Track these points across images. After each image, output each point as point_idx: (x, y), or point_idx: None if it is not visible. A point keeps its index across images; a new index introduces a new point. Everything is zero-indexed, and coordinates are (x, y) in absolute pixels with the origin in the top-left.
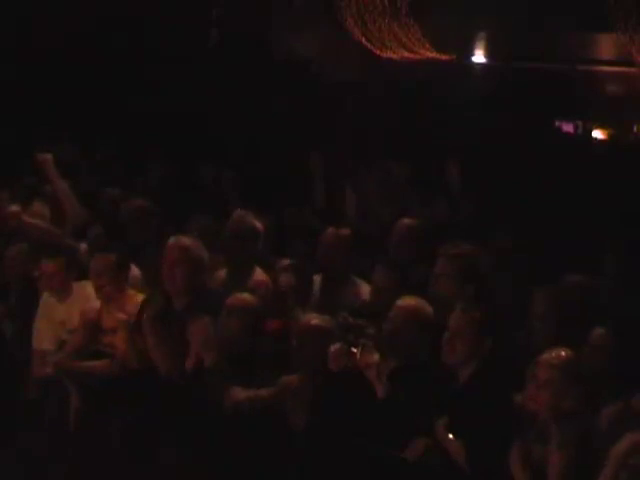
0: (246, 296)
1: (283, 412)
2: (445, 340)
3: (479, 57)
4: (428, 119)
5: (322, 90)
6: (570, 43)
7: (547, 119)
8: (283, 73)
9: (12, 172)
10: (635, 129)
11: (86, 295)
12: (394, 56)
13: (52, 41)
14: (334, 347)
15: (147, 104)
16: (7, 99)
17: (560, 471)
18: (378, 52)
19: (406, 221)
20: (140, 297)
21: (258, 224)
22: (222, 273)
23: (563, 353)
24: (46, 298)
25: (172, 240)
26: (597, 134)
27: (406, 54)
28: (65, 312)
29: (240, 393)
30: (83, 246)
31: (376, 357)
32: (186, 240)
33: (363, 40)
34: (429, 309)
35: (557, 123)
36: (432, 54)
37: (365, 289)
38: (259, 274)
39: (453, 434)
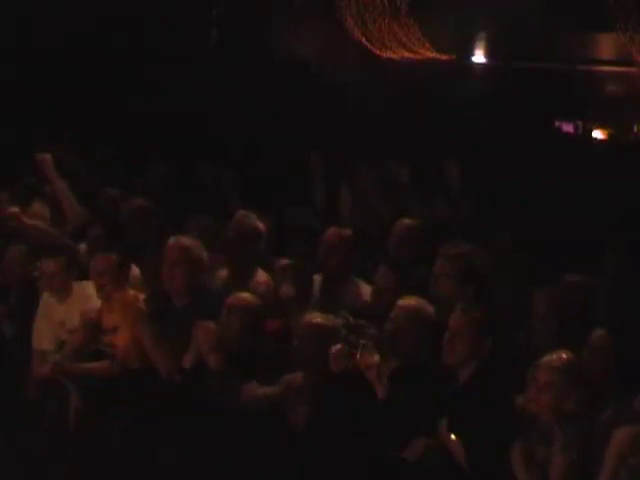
0: (246, 296)
1: (284, 412)
2: (445, 340)
3: (479, 57)
4: (428, 119)
5: (322, 90)
6: (570, 43)
7: (547, 119)
8: (283, 73)
9: (12, 172)
10: (635, 129)
11: (86, 295)
12: (394, 56)
13: (52, 41)
14: (335, 348)
15: (147, 104)
16: (7, 99)
17: (563, 472)
18: (378, 52)
19: (406, 221)
20: (140, 297)
21: (260, 225)
22: (223, 273)
23: (564, 355)
24: (46, 298)
25: (172, 240)
26: (597, 134)
27: (406, 54)
28: (65, 312)
29: (257, 389)
30: (83, 246)
31: (376, 358)
32: (186, 240)
33: (363, 40)
34: (430, 309)
35: (557, 123)
36: (432, 54)
37: (365, 289)
38: (261, 275)
39: (453, 434)
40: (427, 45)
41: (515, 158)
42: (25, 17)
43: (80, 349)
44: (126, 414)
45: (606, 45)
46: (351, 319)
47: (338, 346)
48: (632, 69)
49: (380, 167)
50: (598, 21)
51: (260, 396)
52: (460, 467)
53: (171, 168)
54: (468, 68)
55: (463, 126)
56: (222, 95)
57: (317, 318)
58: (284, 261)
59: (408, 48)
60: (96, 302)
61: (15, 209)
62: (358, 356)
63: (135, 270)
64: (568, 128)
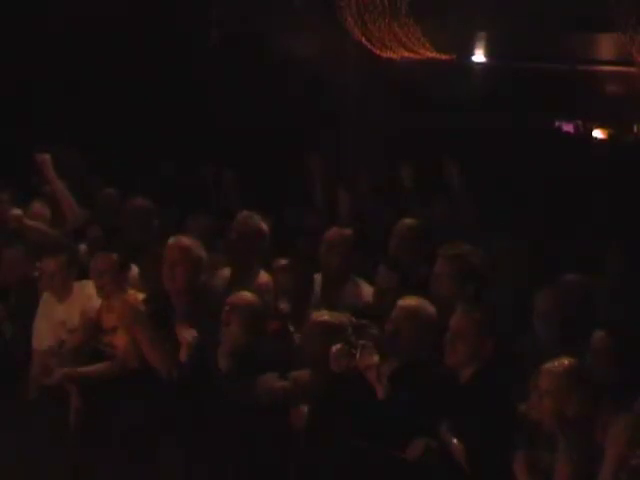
0: (247, 295)
1: (284, 411)
2: (446, 341)
3: (479, 57)
4: (428, 119)
5: (322, 90)
6: (570, 43)
7: (547, 119)
8: (283, 73)
9: (12, 172)
10: (635, 129)
11: (86, 295)
12: (394, 56)
13: (52, 41)
14: (335, 347)
15: (147, 104)
16: (7, 99)
17: (567, 479)
18: (378, 52)
19: (407, 221)
20: (140, 297)
21: (264, 225)
22: (225, 273)
23: (565, 361)
24: (46, 298)
25: (172, 240)
26: (597, 134)
27: (406, 54)
28: (65, 312)
29: (275, 382)
30: (83, 246)
31: (376, 358)
32: (186, 240)
33: (363, 40)
34: (431, 309)
35: (557, 123)
36: (432, 54)
37: (366, 289)
38: (263, 276)
39: (454, 434)
40: (427, 45)
41: (515, 158)
42: (25, 17)
43: (80, 349)
44: (126, 414)
45: (606, 45)
46: (353, 319)
47: (338, 346)
48: (632, 69)
49: (380, 168)
50: (598, 21)
51: (278, 389)
52: (460, 468)
53: (171, 168)
54: (468, 68)
55: (463, 126)
56: (222, 95)
57: (324, 316)
58: (283, 261)
59: (408, 48)
60: (96, 302)
61: (17, 211)
62: (357, 356)
63: (135, 270)
64: (568, 128)
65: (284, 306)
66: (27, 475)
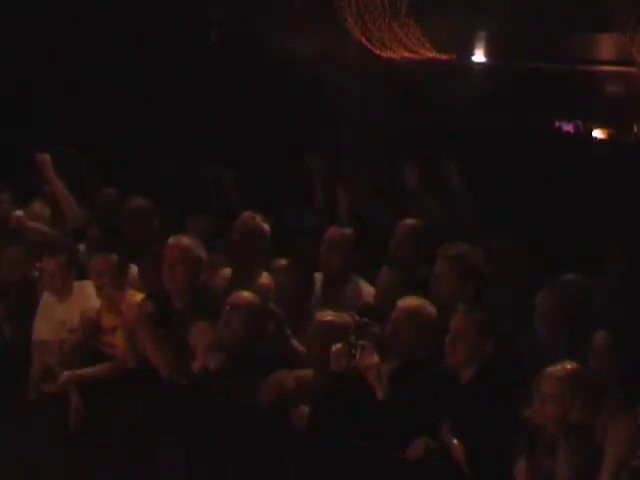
0: (247, 294)
1: (284, 412)
2: (447, 342)
3: (479, 57)
4: (428, 119)
5: (322, 90)
6: (570, 43)
7: (547, 119)
8: (283, 73)
9: (12, 172)
10: (635, 129)
11: (86, 294)
12: (394, 56)
13: (52, 41)
14: (335, 347)
15: (147, 104)
16: (7, 99)
17: None
18: (378, 52)
19: (408, 221)
20: (140, 297)
21: (266, 226)
22: (225, 273)
23: (568, 366)
24: (46, 298)
25: (172, 240)
26: (597, 134)
27: (406, 54)
28: (65, 312)
29: (287, 378)
30: (82, 246)
31: (376, 358)
32: (186, 240)
33: (363, 40)
34: (430, 309)
35: (557, 123)
36: (432, 54)
37: (366, 289)
38: (264, 277)
39: (454, 435)
40: (427, 45)
41: (515, 158)
42: (25, 17)
43: (79, 349)
44: (126, 414)
45: (606, 45)
46: (356, 317)
47: (338, 345)
48: (632, 69)
49: (380, 168)
50: (598, 21)
51: (288, 385)
52: (460, 468)
53: (171, 168)
54: (468, 68)
55: (463, 126)
56: (222, 95)
57: (328, 316)
58: (283, 261)
59: (408, 48)
60: (96, 302)
61: (19, 212)
62: (357, 356)
63: (134, 270)
64: (568, 128)
65: (276, 308)
66: (27, 475)
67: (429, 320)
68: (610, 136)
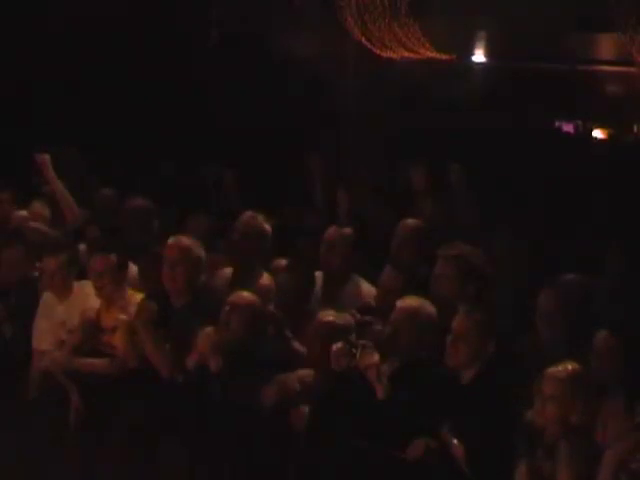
0: (247, 295)
1: (284, 412)
2: (448, 343)
3: (479, 57)
4: (428, 119)
5: (322, 90)
6: (570, 43)
7: (547, 119)
8: (283, 73)
9: (12, 172)
10: (635, 129)
11: (86, 294)
12: (394, 56)
13: (52, 41)
14: (335, 346)
15: (147, 104)
16: (7, 99)
17: None
18: (378, 52)
19: (408, 221)
20: (139, 296)
21: (267, 226)
22: (226, 273)
23: (569, 366)
24: (46, 298)
25: (172, 240)
26: (597, 134)
27: (406, 54)
28: (65, 312)
29: (292, 382)
30: (82, 247)
31: (376, 358)
32: (186, 240)
33: (363, 40)
34: (430, 309)
35: (557, 123)
36: (432, 54)
37: (366, 288)
38: (265, 277)
39: (454, 435)
40: (427, 45)
41: (515, 158)
42: (25, 17)
43: (79, 348)
44: (126, 414)
45: (606, 45)
46: (358, 315)
47: (339, 345)
48: (632, 69)
49: (380, 167)
50: (598, 21)
51: (292, 389)
52: (460, 468)
53: (171, 168)
54: (468, 68)
55: (463, 126)
56: (222, 95)
57: (329, 316)
58: (282, 261)
59: (408, 48)
60: (95, 301)
61: (23, 213)
62: (358, 356)
63: (134, 270)
64: (568, 128)
65: (276, 311)
66: (27, 475)
67: (429, 320)
68: (610, 136)
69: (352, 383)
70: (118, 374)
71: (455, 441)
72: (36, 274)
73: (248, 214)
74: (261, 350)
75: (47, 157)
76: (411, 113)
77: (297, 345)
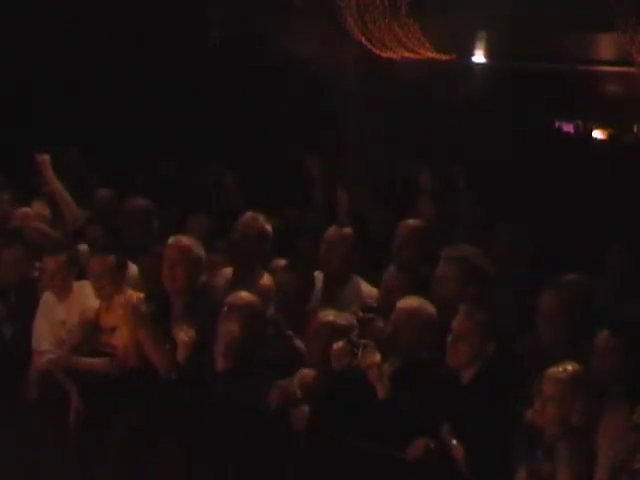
0: (246, 295)
1: (284, 412)
2: (449, 343)
3: (479, 57)
4: (428, 119)
5: (322, 90)
6: (570, 43)
7: (547, 119)
8: (283, 73)
9: (12, 172)
10: (635, 129)
11: (86, 294)
12: (394, 56)
13: (52, 41)
14: (336, 345)
15: (147, 104)
16: (7, 99)
17: None
18: (378, 52)
19: (409, 222)
20: (140, 297)
21: (268, 226)
22: (226, 273)
23: (569, 367)
24: (46, 298)
25: (172, 240)
26: (597, 134)
27: (406, 54)
28: (65, 312)
29: (290, 386)
30: (83, 247)
31: (378, 357)
32: (186, 240)
33: (363, 40)
34: (430, 309)
35: (557, 123)
36: (432, 54)
37: (366, 289)
38: (266, 278)
39: (454, 435)
40: (427, 45)
41: (515, 158)
42: (25, 17)
43: (78, 348)
44: (126, 414)
45: (606, 45)
46: (360, 313)
47: (340, 343)
48: (632, 69)
49: (380, 168)
50: (598, 21)
51: (291, 393)
52: (460, 468)
53: (171, 168)
54: (468, 68)
55: (463, 126)
56: (222, 95)
57: (329, 316)
58: (282, 261)
59: (408, 48)
60: (95, 301)
61: (24, 210)
62: (359, 355)
63: (134, 268)
64: (568, 128)
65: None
66: (27, 475)
67: (429, 320)
68: (610, 136)
69: (352, 383)
70: (118, 374)
71: (455, 441)
72: (36, 274)
73: (249, 214)
74: (261, 350)
75: (47, 157)
76: (411, 113)
77: (299, 343)
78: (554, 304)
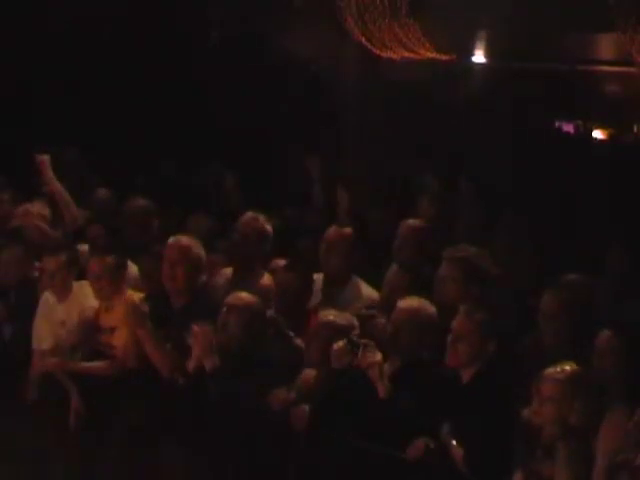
0: (245, 295)
1: (284, 411)
2: (449, 342)
3: (479, 57)
4: (428, 119)
5: (322, 90)
6: (570, 43)
7: (547, 119)
8: (283, 73)
9: (12, 172)
10: (635, 129)
11: (85, 294)
12: (394, 56)
13: (52, 41)
14: (337, 345)
15: (147, 104)
16: (7, 99)
17: None
18: (378, 52)
19: (410, 222)
20: (140, 297)
21: (268, 227)
22: (226, 273)
23: (568, 367)
24: (46, 298)
25: (172, 240)
26: (597, 134)
27: (406, 54)
28: (65, 311)
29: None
30: (83, 247)
31: (378, 357)
32: (186, 240)
33: (363, 40)
34: (431, 309)
35: (557, 123)
36: (432, 54)
37: (366, 289)
38: (267, 279)
39: (454, 435)
40: (427, 45)
41: (515, 158)
42: (25, 17)
43: (77, 348)
44: (126, 414)
45: (606, 45)
46: (363, 310)
47: (340, 343)
48: (632, 69)
49: (380, 168)
50: (598, 21)
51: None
52: (460, 468)
53: (171, 168)
54: (468, 68)
55: (463, 126)
56: (222, 95)
57: (329, 316)
58: (282, 261)
59: (408, 48)
60: (95, 302)
61: (25, 207)
62: (360, 354)
63: (133, 269)
64: (568, 128)
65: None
66: (27, 475)
67: (429, 320)
68: (610, 136)
69: (352, 383)
70: (118, 375)
71: (454, 442)
72: (36, 274)
73: (249, 215)
74: (261, 350)
75: (47, 158)
76: (411, 113)
77: (299, 343)
78: (555, 304)
